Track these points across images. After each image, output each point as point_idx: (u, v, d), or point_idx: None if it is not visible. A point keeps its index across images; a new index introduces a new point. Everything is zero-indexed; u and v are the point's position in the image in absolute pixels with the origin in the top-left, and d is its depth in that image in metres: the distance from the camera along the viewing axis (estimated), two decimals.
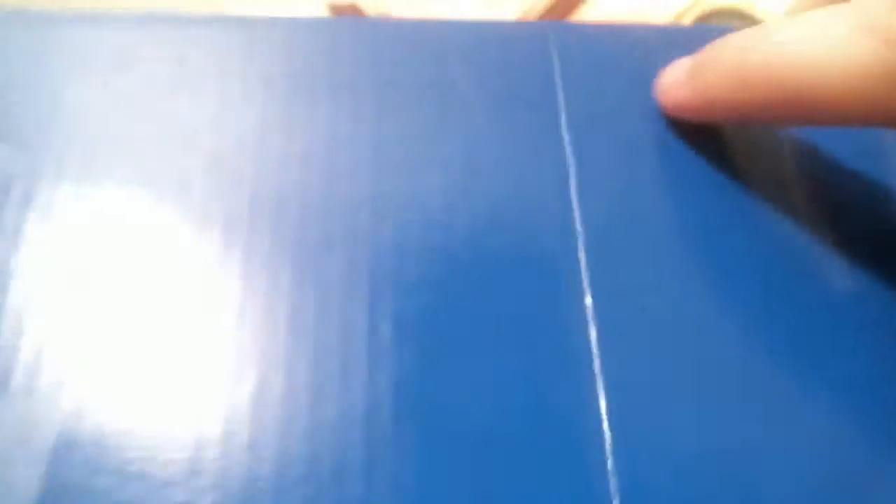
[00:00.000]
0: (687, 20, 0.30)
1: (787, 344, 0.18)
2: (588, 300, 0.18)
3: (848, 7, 0.16)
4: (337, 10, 0.31)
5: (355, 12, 0.31)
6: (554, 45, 0.22)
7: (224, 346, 0.18)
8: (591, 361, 0.18)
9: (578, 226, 0.19)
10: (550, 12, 0.31)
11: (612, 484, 0.16)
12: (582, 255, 0.19)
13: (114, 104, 0.21)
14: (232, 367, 0.17)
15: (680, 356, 0.18)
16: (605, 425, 0.17)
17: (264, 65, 0.22)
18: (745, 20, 0.30)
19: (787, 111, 0.18)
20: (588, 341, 0.18)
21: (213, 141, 0.21)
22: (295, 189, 0.20)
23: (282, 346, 0.18)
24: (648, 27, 0.24)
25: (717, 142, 0.21)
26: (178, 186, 0.20)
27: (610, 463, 0.16)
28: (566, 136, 0.21)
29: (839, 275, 0.19)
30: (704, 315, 0.18)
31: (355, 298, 0.19)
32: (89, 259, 0.19)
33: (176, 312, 0.18)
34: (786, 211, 0.20)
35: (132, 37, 0.23)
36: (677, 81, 0.20)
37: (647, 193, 0.20)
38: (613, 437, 0.16)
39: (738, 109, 0.19)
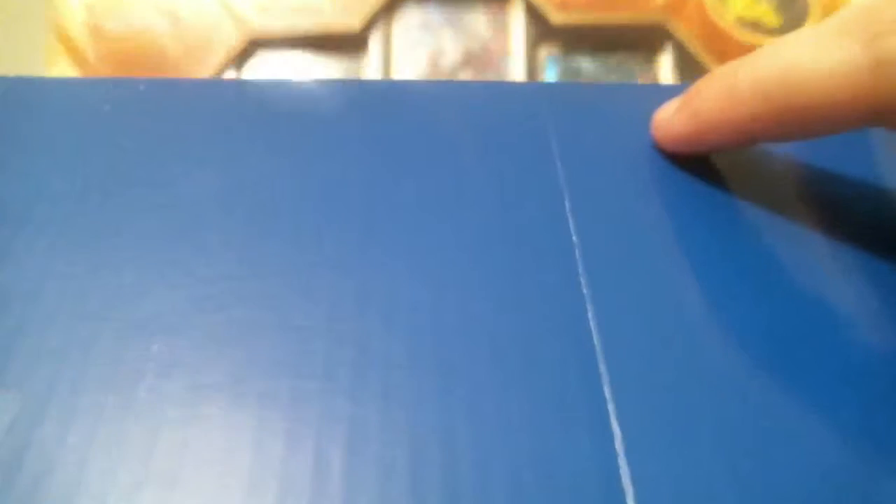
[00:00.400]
0: None
1: (780, 346, 0.18)
2: (591, 317, 0.18)
3: (825, 22, 0.17)
4: None
5: None
6: (547, 101, 0.23)
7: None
8: (594, 353, 0.18)
9: (577, 251, 0.20)
10: None
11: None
12: (581, 277, 0.19)
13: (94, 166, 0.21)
14: None
15: (681, 362, 0.18)
16: (623, 465, 0.16)
17: (263, 127, 0.22)
18: None
19: (778, 122, 0.18)
20: (593, 350, 0.18)
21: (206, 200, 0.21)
22: (288, 243, 0.20)
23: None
24: (638, 86, 0.26)
25: (704, 166, 0.22)
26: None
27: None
28: (560, 168, 0.21)
29: (831, 274, 0.20)
30: (700, 319, 0.19)
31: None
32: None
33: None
34: (775, 221, 0.21)
35: (115, 99, 0.23)
36: (671, 113, 0.21)
37: (641, 221, 0.20)
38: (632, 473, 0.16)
39: (730, 129, 0.20)
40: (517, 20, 0.27)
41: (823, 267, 0.20)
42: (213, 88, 0.24)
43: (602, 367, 0.17)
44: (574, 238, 0.20)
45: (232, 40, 0.27)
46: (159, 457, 0.16)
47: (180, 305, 0.18)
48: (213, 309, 0.18)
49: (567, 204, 0.21)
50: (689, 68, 0.26)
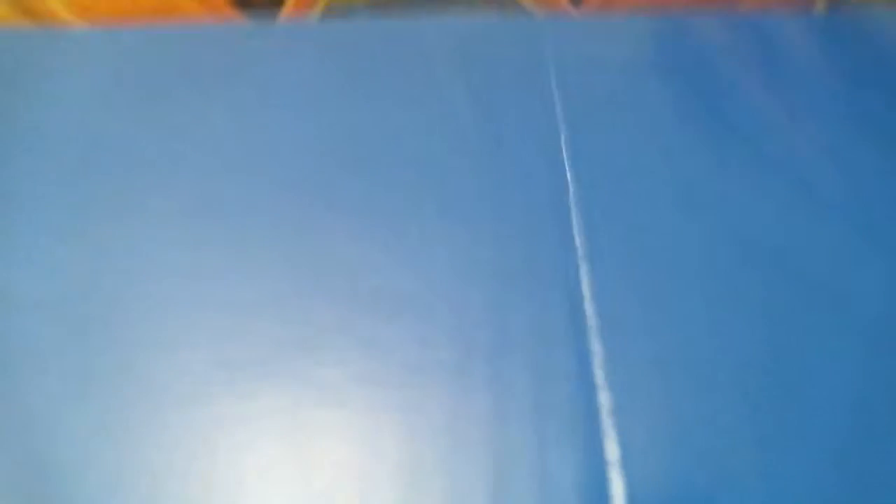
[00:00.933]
0: None
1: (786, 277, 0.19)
2: (579, 249, 0.19)
3: None
4: None
5: None
6: (547, 35, 0.23)
7: None
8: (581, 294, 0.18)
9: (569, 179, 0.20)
10: None
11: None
12: (572, 205, 0.20)
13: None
14: None
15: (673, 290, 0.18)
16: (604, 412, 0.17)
17: (256, 72, 0.22)
18: None
19: None
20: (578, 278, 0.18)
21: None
22: (280, 177, 0.20)
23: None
24: (639, 20, 0.24)
25: (705, 104, 0.22)
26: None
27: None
28: (557, 103, 0.21)
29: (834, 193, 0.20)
30: (691, 259, 0.19)
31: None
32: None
33: None
34: (779, 153, 0.21)
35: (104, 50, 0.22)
36: None
37: (638, 157, 0.20)
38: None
39: None
40: None
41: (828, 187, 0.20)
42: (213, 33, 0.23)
43: (588, 309, 0.18)
44: (568, 175, 0.20)
45: None
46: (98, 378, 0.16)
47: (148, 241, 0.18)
48: (185, 247, 0.18)
49: (563, 139, 0.21)
50: None
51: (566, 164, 0.20)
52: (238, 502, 0.15)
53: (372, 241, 0.19)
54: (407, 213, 0.19)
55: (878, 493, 0.15)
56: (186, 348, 0.16)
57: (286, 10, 0.25)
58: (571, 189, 0.19)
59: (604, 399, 0.17)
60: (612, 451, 0.17)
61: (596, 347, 0.18)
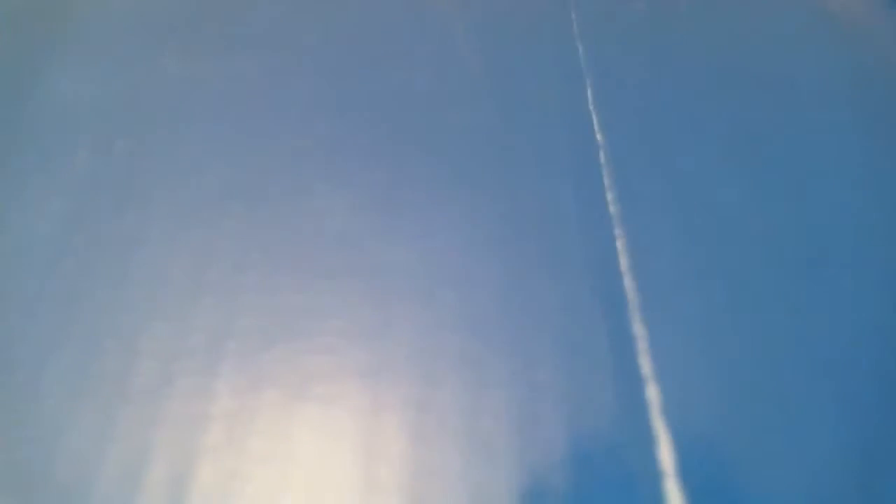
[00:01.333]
0: None
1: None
2: (611, 205, 0.17)
3: None
4: None
5: None
6: None
7: None
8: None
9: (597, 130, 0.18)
10: None
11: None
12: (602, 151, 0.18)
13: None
14: None
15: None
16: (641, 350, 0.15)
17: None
18: None
19: None
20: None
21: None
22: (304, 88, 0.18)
23: None
24: None
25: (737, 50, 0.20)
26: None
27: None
28: (581, 50, 0.19)
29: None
30: (731, 217, 0.17)
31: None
32: None
33: None
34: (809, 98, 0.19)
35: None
36: None
37: (668, 108, 0.19)
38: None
39: None
40: None
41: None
42: None
43: (627, 285, 0.16)
44: (596, 129, 0.18)
45: None
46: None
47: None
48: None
49: (589, 93, 0.19)
50: None
51: (593, 115, 0.18)
52: None
53: (369, 211, 0.16)
54: (408, 178, 0.17)
55: None
56: (176, 336, 0.15)
57: None
58: (601, 145, 0.17)
59: (652, 394, 0.14)
60: (666, 458, 0.13)
61: (639, 331, 0.15)
